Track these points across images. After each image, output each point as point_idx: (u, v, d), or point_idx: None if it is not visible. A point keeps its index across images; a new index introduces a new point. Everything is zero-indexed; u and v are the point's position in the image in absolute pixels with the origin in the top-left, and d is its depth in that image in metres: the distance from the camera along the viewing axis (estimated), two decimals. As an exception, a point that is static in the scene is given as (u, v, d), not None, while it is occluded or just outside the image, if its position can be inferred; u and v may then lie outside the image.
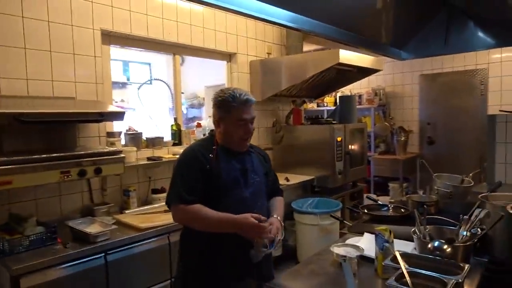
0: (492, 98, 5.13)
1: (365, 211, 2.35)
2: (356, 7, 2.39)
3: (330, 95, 6.07)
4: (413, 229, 1.57)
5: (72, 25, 2.54)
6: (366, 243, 1.79)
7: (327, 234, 3.32)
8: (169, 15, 3.16)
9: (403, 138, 5.71)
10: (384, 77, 5.97)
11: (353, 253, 1.66)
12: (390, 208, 2.41)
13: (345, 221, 2.24)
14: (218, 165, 1.64)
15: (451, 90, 5.52)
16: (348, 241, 1.88)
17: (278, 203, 1.92)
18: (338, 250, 1.69)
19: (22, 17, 2.32)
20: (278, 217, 1.76)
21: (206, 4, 1.29)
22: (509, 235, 1.36)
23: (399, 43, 3.30)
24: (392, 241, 1.54)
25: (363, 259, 1.62)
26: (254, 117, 1.73)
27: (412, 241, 1.61)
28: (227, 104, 1.66)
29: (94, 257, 2.04)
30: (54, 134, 2.33)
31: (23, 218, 2.09)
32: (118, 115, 2.30)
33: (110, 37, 2.85)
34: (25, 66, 2.33)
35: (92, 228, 2.18)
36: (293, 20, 2.06)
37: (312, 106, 6.33)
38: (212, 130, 1.82)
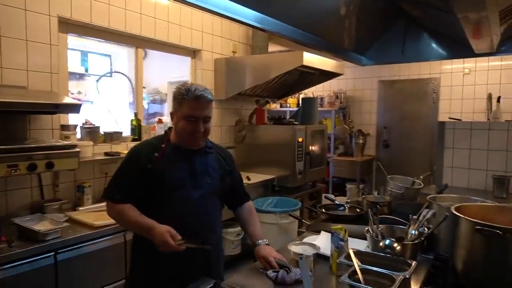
0: (443, 106, 5.47)
1: (323, 210, 2.41)
2: (321, 12, 2.46)
3: (293, 97, 6.17)
4: (366, 228, 1.64)
5: (25, 9, 2.39)
6: (323, 242, 1.84)
7: (285, 232, 3.38)
8: (133, 7, 3.06)
9: (361, 141, 5.94)
10: (346, 81, 6.17)
11: (309, 251, 1.70)
12: (347, 208, 2.49)
13: (303, 220, 2.30)
14: (163, 165, 1.57)
15: (407, 97, 5.82)
16: (306, 240, 1.92)
17: (254, 218, 1.85)
18: (296, 248, 1.72)
19: (-32, -3, 2.15)
20: (266, 242, 1.72)
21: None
22: (452, 234, 1.46)
23: (360, 49, 3.43)
24: (347, 240, 1.59)
25: (319, 257, 1.66)
26: (209, 116, 1.61)
27: (366, 239, 1.68)
28: (179, 97, 1.57)
29: (43, 256, 1.93)
30: (2, 125, 2.17)
31: (-38, 214, 1.94)
32: (74, 108, 2.19)
33: (68, 25, 2.71)
34: (-30, 51, 2.17)
35: (41, 226, 2.06)
36: (259, 20, 2.07)
37: (275, 106, 6.40)
38: (169, 128, 1.73)
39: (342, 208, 2.49)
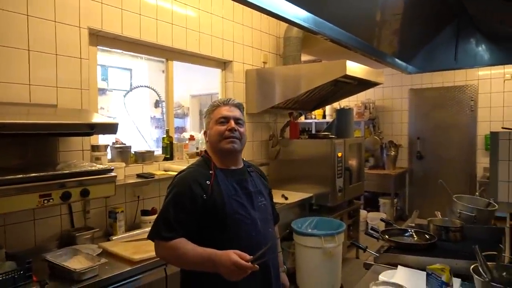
0: (482, 114, 5.15)
1: (387, 237, 2.13)
2: (365, 14, 2.22)
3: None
4: (473, 266, 1.34)
5: (55, 21, 2.19)
6: (404, 279, 1.57)
7: (330, 258, 3.09)
8: (164, 17, 2.86)
9: (393, 153, 5.63)
10: (374, 91, 5.88)
11: (398, 295, 1.42)
12: (412, 232, 2.20)
13: (369, 250, 2.01)
14: (218, 192, 1.45)
15: (440, 105, 5.52)
16: (382, 276, 1.65)
17: (278, 243, 1.83)
18: (380, 291, 1.45)
19: (-5, 8, 1.96)
20: (284, 269, 1.74)
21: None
22: None
23: (406, 55, 3.16)
24: (452, 285, 1.31)
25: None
26: (241, 119, 1.57)
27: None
28: (209, 109, 1.60)
29: (80, 299, 1.68)
30: (30, 148, 1.96)
31: (-12, 251, 1.71)
32: (111, 127, 1.96)
33: (98, 37, 2.51)
34: (-4, 67, 1.96)
35: (76, 263, 1.81)
36: (305, 20, 1.86)
37: (300, 118, 6.15)
38: (205, 152, 1.63)
39: (407, 233, 2.20)
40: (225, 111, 1.54)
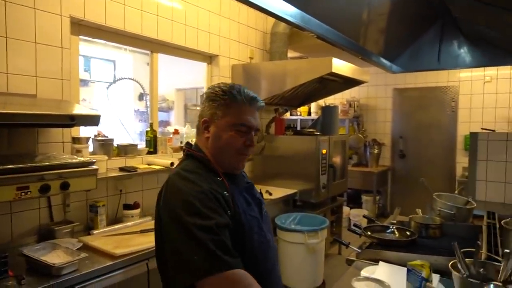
0: (462, 114, 5.27)
1: (369, 233, 2.16)
2: (352, 12, 2.23)
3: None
4: (452, 262, 1.37)
5: (35, 8, 2.12)
6: (385, 275, 1.59)
7: (313, 253, 3.12)
8: (150, 8, 2.80)
9: (376, 151, 5.71)
10: (359, 89, 5.94)
11: (379, 290, 1.44)
12: (394, 229, 2.23)
13: (351, 247, 2.03)
14: (236, 205, 1.12)
15: (423, 105, 5.62)
16: (364, 272, 1.67)
17: None
18: (361, 286, 1.47)
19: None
20: None
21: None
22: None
23: (391, 54, 3.20)
24: (431, 280, 1.34)
25: (390, 297, 1.41)
26: (259, 128, 1.26)
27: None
28: (229, 98, 1.16)
29: (58, 294, 1.64)
30: (8, 139, 1.89)
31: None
32: (92, 119, 1.91)
33: (80, 27, 2.44)
34: (-27, 54, 1.89)
35: (55, 257, 1.77)
36: (293, 15, 1.86)
37: (286, 115, 6.16)
38: (195, 149, 1.22)
39: (389, 230, 2.24)
40: (249, 114, 1.17)
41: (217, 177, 1.15)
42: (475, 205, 2.39)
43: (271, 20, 3.94)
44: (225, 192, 1.10)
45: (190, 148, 1.24)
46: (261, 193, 1.35)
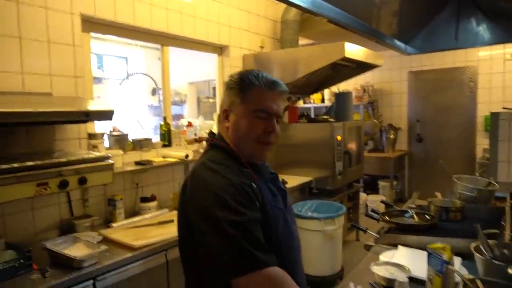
0: (482, 95, 5.11)
1: (387, 218, 2.12)
2: None
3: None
4: (474, 245, 1.34)
5: (46, 8, 2.14)
6: (404, 259, 1.57)
7: (330, 240, 3.10)
8: (158, 1, 2.80)
9: (392, 136, 5.62)
10: (373, 74, 5.83)
11: (398, 274, 1.42)
12: (413, 213, 2.19)
13: (369, 231, 2.01)
14: (263, 196, 1.07)
15: (440, 88, 5.47)
16: (383, 257, 1.65)
17: None
18: (380, 271, 1.45)
19: (-17, -5, 1.91)
20: None
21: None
22: None
23: (405, 36, 3.11)
24: (453, 263, 1.31)
25: (410, 280, 1.38)
26: (281, 115, 1.16)
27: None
28: (245, 83, 1.11)
29: (81, 286, 1.68)
30: (26, 137, 1.94)
31: (-12, 242, 1.71)
32: (106, 115, 1.94)
33: (91, 24, 2.46)
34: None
35: (76, 250, 1.82)
36: (304, 0, 1.82)
37: (299, 103, 6.11)
38: (219, 138, 1.17)
39: (408, 214, 2.20)
40: (270, 101, 1.10)
41: (244, 167, 1.10)
42: (497, 187, 2.32)
43: (281, 8, 3.88)
44: (253, 184, 1.05)
45: (213, 137, 1.19)
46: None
